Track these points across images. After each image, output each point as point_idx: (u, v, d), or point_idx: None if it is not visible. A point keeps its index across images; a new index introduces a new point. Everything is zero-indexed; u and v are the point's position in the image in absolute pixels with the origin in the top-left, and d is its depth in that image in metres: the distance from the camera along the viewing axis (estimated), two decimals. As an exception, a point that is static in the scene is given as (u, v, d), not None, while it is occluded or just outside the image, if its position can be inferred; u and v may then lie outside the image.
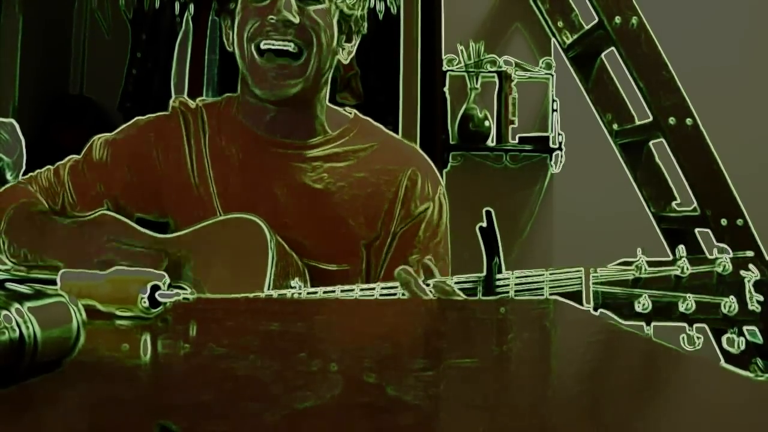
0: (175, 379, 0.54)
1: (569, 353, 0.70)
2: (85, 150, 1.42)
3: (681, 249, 1.08)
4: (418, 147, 1.47)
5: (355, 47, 1.39)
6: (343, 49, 1.36)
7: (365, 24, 1.39)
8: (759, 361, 2.35)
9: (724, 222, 2.52)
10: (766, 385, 0.92)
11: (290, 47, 1.27)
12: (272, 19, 1.26)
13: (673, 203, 2.82)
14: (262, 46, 1.27)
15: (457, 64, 3.31)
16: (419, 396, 0.48)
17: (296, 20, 1.26)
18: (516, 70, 3.32)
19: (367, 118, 1.43)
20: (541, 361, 0.66)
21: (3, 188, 1.47)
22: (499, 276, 1.11)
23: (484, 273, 1.11)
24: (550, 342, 0.78)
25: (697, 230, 2.70)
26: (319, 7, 1.29)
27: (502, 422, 0.44)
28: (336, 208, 1.32)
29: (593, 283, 1.07)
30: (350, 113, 1.42)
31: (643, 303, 1.05)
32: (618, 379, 0.58)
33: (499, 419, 0.45)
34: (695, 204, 2.60)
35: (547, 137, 3.32)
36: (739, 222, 2.52)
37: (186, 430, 0.40)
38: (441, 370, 0.58)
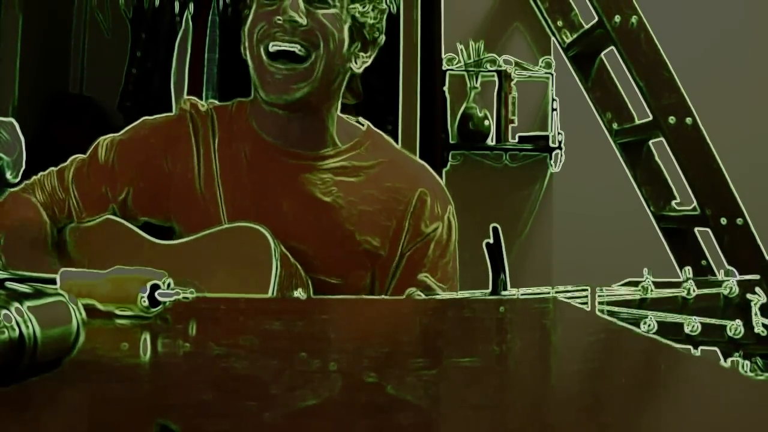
0: (175, 378, 0.54)
1: (569, 352, 0.70)
2: (90, 151, 1.39)
3: (687, 270, 1.08)
4: (426, 164, 1.44)
5: (371, 58, 1.36)
6: (358, 57, 1.33)
7: (383, 36, 1.36)
8: (759, 360, 2.34)
9: (723, 221, 2.52)
10: (766, 385, 0.92)
11: (296, 48, 1.25)
12: (279, 19, 1.24)
13: (673, 202, 2.82)
14: (271, 48, 1.26)
15: (456, 64, 3.31)
16: (419, 395, 0.48)
17: (302, 21, 1.25)
18: (516, 70, 3.32)
19: (380, 132, 1.41)
20: (541, 360, 0.66)
21: (4, 196, 1.43)
22: (504, 293, 1.10)
23: (490, 289, 1.11)
24: (550, 341, 0.78)
25: (696, 229, 2.70)
26: (328, 11, 1.27)
27: (502, 422, 0.44)
28: (344, 223, 1.30)
29: (599, 303, 1.07)
30: (363, 125, 1.39)
31: (649, 324, 1.05)
32: (618, 378, 0.58)
33: (499, 419, 0.45)
34: (695, 203, 2.60)
35: (547, 136, 3.32)
36: (739, 221, 2.52)
37: (186, 430, 0.40)
38: (441, 370, 0.58)
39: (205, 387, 0.50)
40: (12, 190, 1.45)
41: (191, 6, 3.52)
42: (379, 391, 0.49)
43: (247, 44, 1.30)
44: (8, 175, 2.85)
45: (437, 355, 0.67)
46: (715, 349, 1.08)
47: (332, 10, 1.28)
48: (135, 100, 3.57)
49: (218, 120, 1.36)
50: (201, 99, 1.44)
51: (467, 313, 0.94)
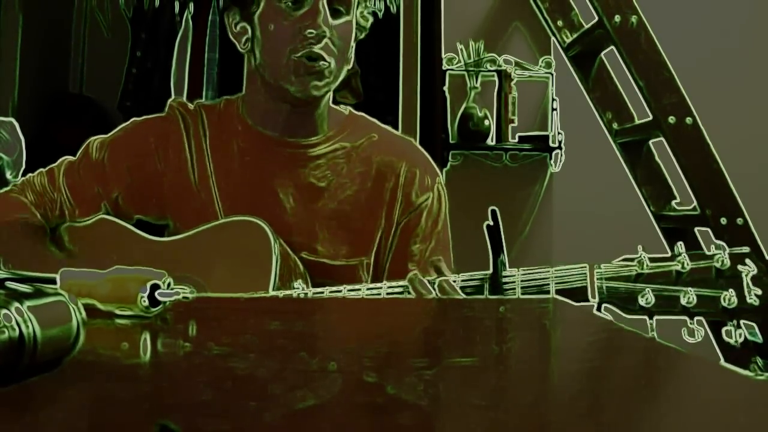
0: (175, 378, 0.54)
1: (569, 352, 0.70)
2: (81, 152, 1.40)
3: (680, 245, 1.11)
4: (413, 140, 1.49)
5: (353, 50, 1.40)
6: None
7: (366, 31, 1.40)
8: (759, 360, 2.35)
9: (723, 221, 2.52)
10: (766, 384, 0.92)
11: (323, 62, 1.28)
12: (311, 32, 1.27)
13: (673, 202, 2.82)
14: (294, 57, 1.28)
15: (456, 63, 3.31)
16: (419, 395, 0.48)
17: (329, 33, 1.28)
18: (516, 69, 3.32)
19: (362, 114, 1.45)
20: (541, 360, 0.66)
21: None
22: (504, 273, 1.13)
23: (490, 271, 1.13)
24: (550, 341, 0.78)
25: (696, 229, 2.70)
26: (343, 20, 1.31)
27: (502, 422, 0.44)
28: (341, 205, 1.34)
29: (597, 279, 1.09)
30: (345, 110, 1.43)
31: (647, 297, 1.08)
32: (618, 379, 0.58)
33: (499, 419, 0.45)
34: (695, 203, 2.60)
35: (547, 136, 3.32)
36: (739, 221, 2.53)
37: (186, 430, 0.40)
38: (441, 370, 0.58)
39: (205, 387, 0.50)
40: (1, 191, 1.45)
41: (191, 6, 3.52)
42: (379, 391, 0.49)
43: (267, 48, 1.31)
44: (8, 175, 2.85)
45: (437, 355, 0.67)
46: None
47: (346, 18, 1.31)
48: (135, 99, 3.57)
49: (207, 117, 1.38)
50: (201, 98, 1.45)
51: (467, 313, 0.94)
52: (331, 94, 1.37)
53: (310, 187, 1.34)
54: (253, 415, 0.43)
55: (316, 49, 1.27)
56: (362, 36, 1.38)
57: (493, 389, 0.53)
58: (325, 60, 1.28)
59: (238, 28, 1.34)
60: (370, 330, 0.82)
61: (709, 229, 2.57)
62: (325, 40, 1.28)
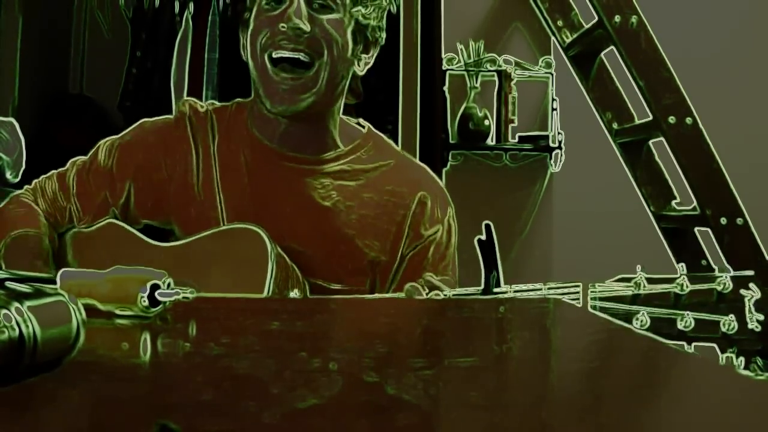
0: (175, 378, 0.54)
1: (569, 352, 0.70)
2: (90, 155, 1.39)
3: (681, 267, 1.07)
4: (427, 167, 1.43)
5: (373, 58, 1.35)
6: (360, 60, 1.32)
7: (383, 35, 1.35)
8: (759, 360, 2.34)
9: (723, 221, 2.52)
10: (766, 384, 0.92)
11: (301, 56, 1.25)
12: (283, 27, 1.23)
13: (673, 202, 2.82)
14: (274, 56, 1.25)
15: (456, 63, 3.31)
16: (419, 395, 0.48)
17: (307, 28, 1.24)
18: (516, 69, 3.32)
19: (380, 134, 1.40)
20: (541, 360, 0.66)
21: (5, 201, 1.41)
22: (496, 290, 1.10)
23: (482, 286, 1.11)
24: (550, 341, 0.78)
25: (696, 229, 2.70)
26: (331, 16, 1.26)
27: (502, 422, 0.44)
28: (343, 227, 1.30)
29: (591, 299, 1.07)
30: (363, 127, 1.38)
31: (642, 319, 1.04)
32: (618, 379, 0.58)
33: (499, 419, 0.45)
34: (695, 203, 2.60)
35: (547, 136, 3.32)
36: (739, 221, 2.52)
37: (186, 430, 0.40)
38: (441, 370, 0.58)
39: (205, 387, 0.50)
40: (14, 194, 1.44)
41: (191, 6, 3.52)
42: (379, 391, 0.49)
43: (249, 51, 1.29)
44: (8, 175, 2.85)
45: (437, 355, 0.67)
46: (714, 346, 1.07)
47: (335, 15, 1.27)
48: (135, 99, 3.57)
49: (217, 122, 1.35)
50: (201, 99, 1.43)
51: (467, 313, 0.94)
52: (340, 104, 1.32)
53: (314, 206, 1.30)
54: (253, 415, 0.43)
55: (290, 45, 1.23)
56: (380, 39, 1.32)
57: (493, 389, 0.53)
58: (301, 62, 1.24)
59: (243, 39, 1.33)
60: (370, 330, 0.82)
61: (709, 229, 2.57)
62: (305, 36, 1.24)
